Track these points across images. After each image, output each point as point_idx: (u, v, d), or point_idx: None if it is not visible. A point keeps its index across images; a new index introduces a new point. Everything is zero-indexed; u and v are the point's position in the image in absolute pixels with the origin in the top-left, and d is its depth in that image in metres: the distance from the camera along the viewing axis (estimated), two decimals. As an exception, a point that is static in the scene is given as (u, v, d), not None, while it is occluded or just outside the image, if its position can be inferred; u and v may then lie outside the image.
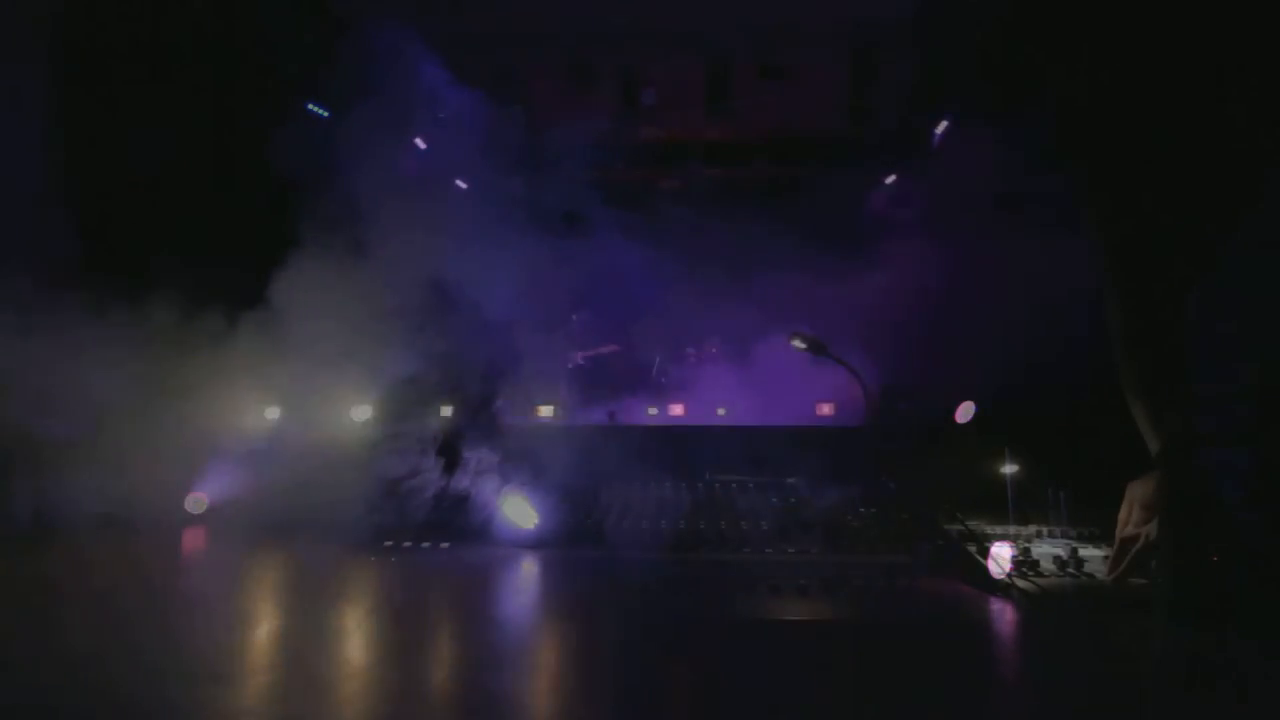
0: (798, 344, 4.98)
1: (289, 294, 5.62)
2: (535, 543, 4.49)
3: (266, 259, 5.60)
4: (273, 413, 5.90)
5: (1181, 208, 1.03)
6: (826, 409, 7.66)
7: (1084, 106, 1.10)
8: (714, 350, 9.45)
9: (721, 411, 7.95)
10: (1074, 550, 3.82)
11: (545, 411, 8.50)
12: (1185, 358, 1.05)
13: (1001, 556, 3.76)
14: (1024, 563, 3.74)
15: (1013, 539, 4.13)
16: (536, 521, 4.58)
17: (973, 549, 3.86)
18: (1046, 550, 3.93)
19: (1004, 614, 3.31)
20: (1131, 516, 1.24)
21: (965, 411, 5.85)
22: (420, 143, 8.20)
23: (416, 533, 4.55)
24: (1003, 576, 3.58)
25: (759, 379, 8.66)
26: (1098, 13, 1.07)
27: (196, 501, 5.26)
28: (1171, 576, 1.05)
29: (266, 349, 5.52)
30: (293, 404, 5.85)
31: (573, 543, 4.45)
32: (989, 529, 4.26)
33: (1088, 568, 3.72)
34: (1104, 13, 1.07)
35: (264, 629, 3.23)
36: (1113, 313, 1.12)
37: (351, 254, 5.89)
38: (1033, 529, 4.32)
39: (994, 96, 6.49)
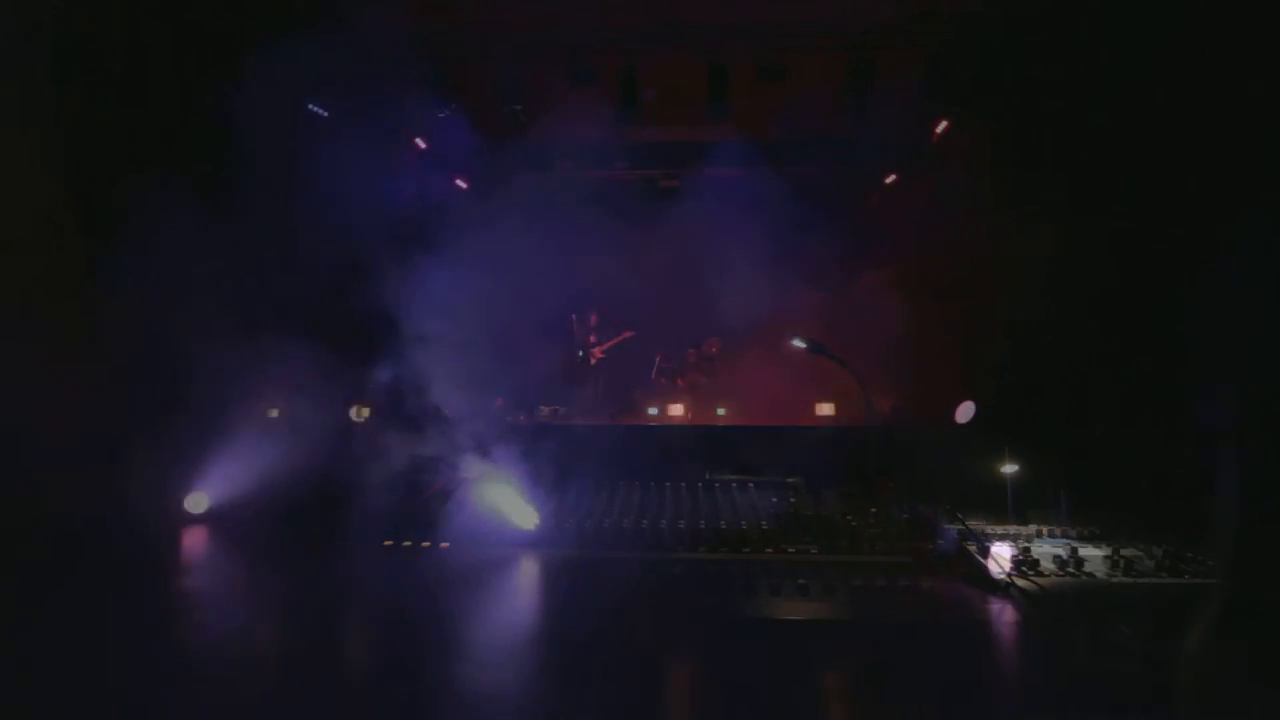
0: (798, 343, 4.98)
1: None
2: (534, 543, 4.49)
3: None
4: (273, 412, 5.90)
5: (1186, 209, 1.03)
6: (826, 409, 7.68)
7: (1091, 114, 1.10)
8: (714, 350, 9.45)
9: (721, 411, 7.95)
10: (1074, 550, 3.83)
11: (545, 411, 8.50)
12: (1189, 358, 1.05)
13: (1001, 556, 3.77)
14: (1024, 563, 3.75)
15: (1013, 539, 4.14)
16: (537, 522, 4.58)
17: (973, 549, 3.86)
18: (1046, 550, 3.93)
19: (1004, 614, 3.31)
20: None
21: (965, 411, 5.86)
22: (420, 142, 8.21)
23: (416, 532, 4.55)
24: (1003, 576, 3.58)
25: (759, 378, 8.67)
26: (1103, 28, 1.08)
27: (196, 501, 5.26)
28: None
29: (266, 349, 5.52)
30: (291, 403, 5.86)
31: (571, 543, 4.45)
32: (989, 529, 4.26)
33: (1088, 568, 3.72)
34: (1108, 27, 1.07)
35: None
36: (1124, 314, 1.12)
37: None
38: (1033, 529, 4.33)
39: (994, 100, 6.49)
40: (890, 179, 9.70)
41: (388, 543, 4.51)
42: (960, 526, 4.18)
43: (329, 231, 5.68)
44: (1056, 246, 5.31)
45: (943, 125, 8.02)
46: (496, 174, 9.52)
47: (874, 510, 4.65)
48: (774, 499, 4.99)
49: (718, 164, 9.47)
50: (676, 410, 8.00)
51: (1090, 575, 3.66)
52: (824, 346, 4.88)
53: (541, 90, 7.65)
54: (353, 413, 6.47)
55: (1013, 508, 4.45)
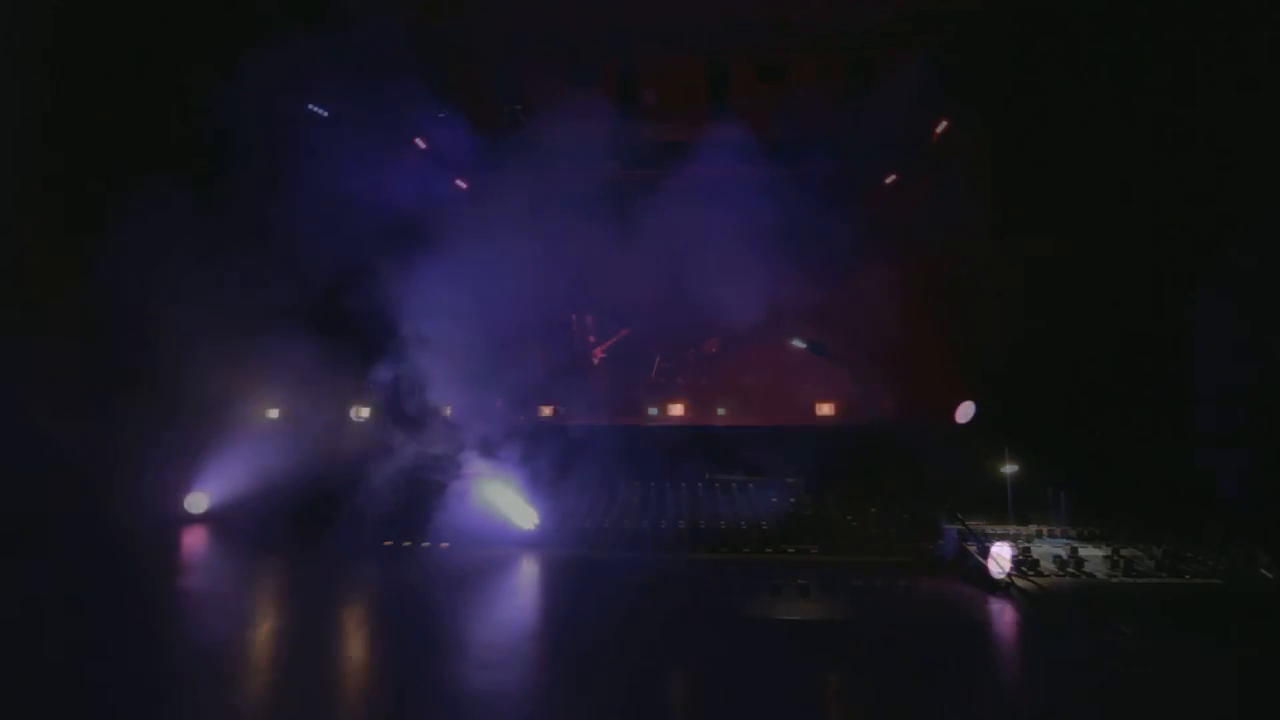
0: (798, 343, 4.98)
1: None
2: (534, 543, 4.49)
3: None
4: (273, 412, 5.90)
5: (1187, 210, 1.03)
6: (826, 409, 7.67)
7: (1091, 115, 1.10)
8: (714, 350, 9.45)
9: (721, 411, 7.95)
10: (1074, 550, 3.83)
11: (545, 411, 8.51)
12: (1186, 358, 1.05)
13: (1001, 556, 3.77)
14: (1024, 563, 3.75)
15: (1013, 539, 4.14)
16: (537, 522, 4.57)
17: (973, 549, 3.86)
18: (1046, 550, 3.94)
19: (1004, 614, 3.31)
20: None
21: (965, 411, 5.86)
22: (420, 142, 8.20)
23: (416, 532, 4.55)
24: (1003, 576, 3.58)
25: (759, 378, 8.66)
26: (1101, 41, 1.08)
27: (196, 501, 5.26)
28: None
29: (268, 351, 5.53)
30: (291, 403, 5.86)
31: (572, 543, 4.45)
32: (989, 529, 4.26)
33: (1088, 568, 3.72)
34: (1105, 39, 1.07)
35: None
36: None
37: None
38: (1033, 529, 4.33)
39: (994, 100, 6.48)
40: (890, 179, 9.69)
41: (388, 543, 4.51)
42: (960, 526, 4.18)
43: (329, 231, 5.68)
44: (1056, 248, 5.31)
45: (943, 125, 8.01)
46: (496, 174, 9.50)
47: (874, 510, 4.65)
48: (774, 499, 4.99)
49: (717, 163, 9.47)
50: (676, 410, 7.99)
51: (1090, 575, 3.66)
52: (824, 346, 4.88)
53: (541, 90, 7.65)
54: (352, 413, 6.47)
55: (1013, 508, 4.45)
